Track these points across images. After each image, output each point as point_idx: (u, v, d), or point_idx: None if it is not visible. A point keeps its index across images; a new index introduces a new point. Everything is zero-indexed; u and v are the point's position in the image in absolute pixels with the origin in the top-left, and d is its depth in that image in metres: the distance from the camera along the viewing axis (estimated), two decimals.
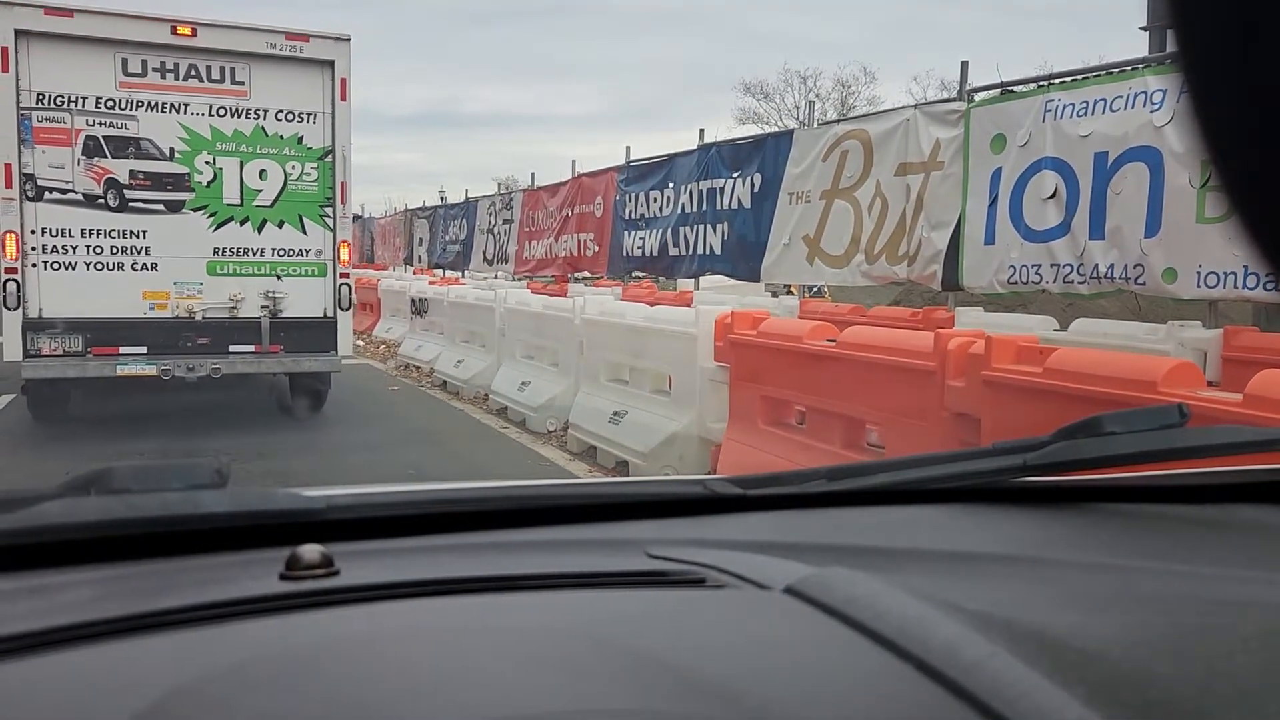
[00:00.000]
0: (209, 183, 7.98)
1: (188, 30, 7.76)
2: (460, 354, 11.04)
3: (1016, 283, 7.94)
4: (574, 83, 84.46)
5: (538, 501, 1.19)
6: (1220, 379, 5.56)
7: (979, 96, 8.45)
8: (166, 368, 7.71)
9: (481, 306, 10.70)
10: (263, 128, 8.07)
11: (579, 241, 15.51)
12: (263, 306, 8.12)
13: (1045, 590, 0.88)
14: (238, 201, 8.07)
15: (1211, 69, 0.44)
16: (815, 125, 11.78)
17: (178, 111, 7.87)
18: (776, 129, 27.25)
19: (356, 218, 26.77)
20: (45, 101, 7.56)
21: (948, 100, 9.57)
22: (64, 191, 7.66)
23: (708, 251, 12.12)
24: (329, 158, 8.23)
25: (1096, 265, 7.18)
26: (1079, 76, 7.70)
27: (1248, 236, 0.45)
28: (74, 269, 7.68)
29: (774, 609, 0.81)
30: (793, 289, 13.25)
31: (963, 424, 4.32)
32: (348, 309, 8.38)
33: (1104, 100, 7.22)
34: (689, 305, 9.11)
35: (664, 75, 77.80)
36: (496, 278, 17.64)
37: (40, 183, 7.58)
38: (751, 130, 30.29)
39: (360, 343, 15.50)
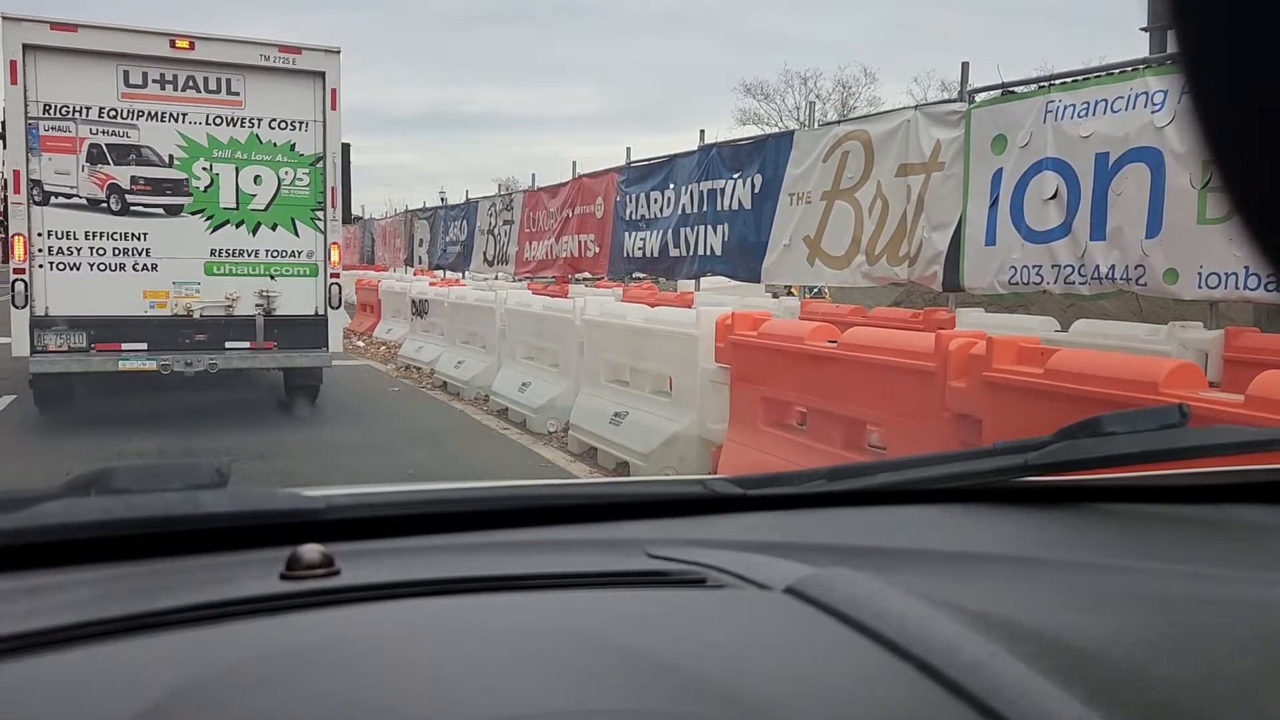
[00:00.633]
0: (206, 188, 8.35)
1: (186, 44, 8.13)
2: (461, 355, 11.03)
3: (1017, 284, 7.93)
4: (575, 84, 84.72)
5: (538, 501, 1.19)
6: (1221, 380, 5.55)
7: (980, 97, 8.44)
8: (166, 363, 8.07)
9: (482, 307, 10.70)
10: (257, 135, 8.45)
11: (579, 242, 15.48)
12: (257, 305, 8.48)
13: (1045, 590, 0.88)
14: (233, 205, 8.44)
15: (1212, 69, 0.44)
16: (816, 126, 11.79)
17: (176, 120, 8.23)
18: (777, 130, 27.30)
19: (357, 219, 26.82)
20: (51, 111, 7.91)
21: (948, 101, 9.58)
22: (69, 196, 8.01)
23: (708, 252, 12.10)
24: (320, 164, 8.61)
25: (1097, 266, 7.17)
26: (1080, 77, 7.70)
27: (1249, 237, 0.45)
28: (78, 269, 8.03)
29: (774, 609, 0.80)
30: (793, 290, 13.23)
31: (964, 425, 4.32)
32: (338, 307, 8.76)
33: (1105, 101, 7.21)
34: (690, 306, 9.11)
35: (665, 76, 78.07)
36: (497, 279, 17.60)
37: (47, 188, 7.94)
38: (752, 131, 30.43)
39: (361, 344, 15.52)
